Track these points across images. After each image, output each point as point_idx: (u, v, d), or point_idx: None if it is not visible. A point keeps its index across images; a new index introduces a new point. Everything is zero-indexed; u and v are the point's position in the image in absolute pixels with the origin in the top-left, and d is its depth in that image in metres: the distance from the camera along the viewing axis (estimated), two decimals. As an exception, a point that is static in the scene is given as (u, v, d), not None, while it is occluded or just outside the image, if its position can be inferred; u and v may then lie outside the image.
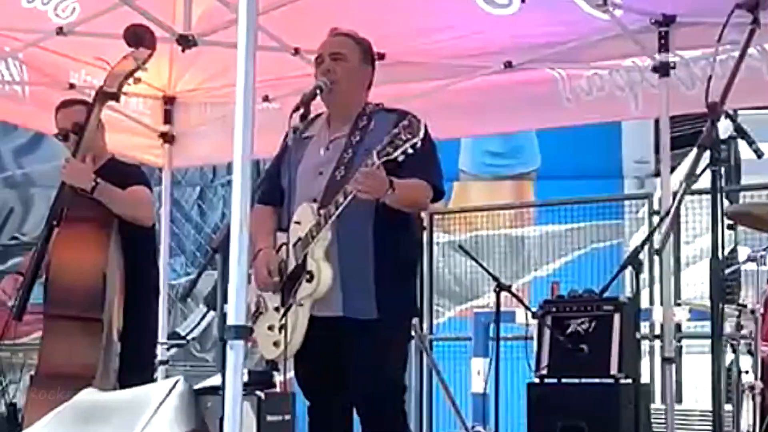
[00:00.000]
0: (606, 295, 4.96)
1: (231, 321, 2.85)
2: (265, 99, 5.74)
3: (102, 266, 4.07)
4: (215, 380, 5.92)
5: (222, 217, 11.23)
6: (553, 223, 8.63)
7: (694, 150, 2.74)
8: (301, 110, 3.60)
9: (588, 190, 8.98)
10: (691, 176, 2.55)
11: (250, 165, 2.97)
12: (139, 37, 4.25)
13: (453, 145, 9.38)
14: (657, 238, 3.58)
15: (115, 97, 4.26)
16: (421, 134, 3.36)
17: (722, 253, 2.73)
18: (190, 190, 11.10)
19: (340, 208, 3.47)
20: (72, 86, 5.73)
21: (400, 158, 3.36)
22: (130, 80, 4.26)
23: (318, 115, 3.77)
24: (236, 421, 2.76)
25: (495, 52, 5.24)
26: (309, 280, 3.52)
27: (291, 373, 4.02)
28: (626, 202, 8.64)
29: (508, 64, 5.25)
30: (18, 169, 12.11)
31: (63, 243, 4.14)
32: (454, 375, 7.19)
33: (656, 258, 5.83)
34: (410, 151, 3.35)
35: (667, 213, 2.77)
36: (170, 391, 2.94)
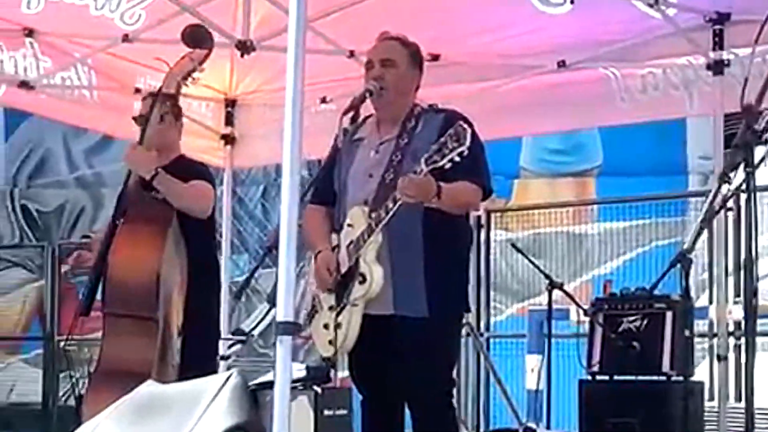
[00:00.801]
0: (665, 293, 4.99)
1: (280, 317, 2.96)
2: (323, 101, 5.85)
3: (156, 266, 4.15)
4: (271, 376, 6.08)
5: (286, 215, 11.36)
6: (615, 220, 8.59)
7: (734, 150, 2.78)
8: (351, 113, 3.72)
9: (651, 187, 8.93)
10: (724, 177, 2.60)
11: (299, 167, 3.07)
12: (196, 38, 4.34)
13: (514, 142, 9.41)
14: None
15: (174, 97, 4.38)
16: (468, 142, 3.43)
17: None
18: (254, 188, 11.27)
19: (390, 214, 3.56)
20: (137, 90, 5.90)
21: (447, 166, 3.45)
22: (189, 80, 4.36)
23: (368, 117, 3.88)
24: (285, 415, 2.88)
25: (548, 51, 5.26)
26: (362, 282, 3.63)
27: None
28: (691, 199, 8.56)
29: (562, 64, 5.27)
30: (89, 169, 12.40)
31: (121, 242, 4.23)
32: (511, 371, 7.24)
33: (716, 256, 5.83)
34: (457, 159, 3.44)
35: (707, 213, 2.81)
36: (224, 383, 3.06)
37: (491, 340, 7.71)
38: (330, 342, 3.68)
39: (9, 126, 12.54)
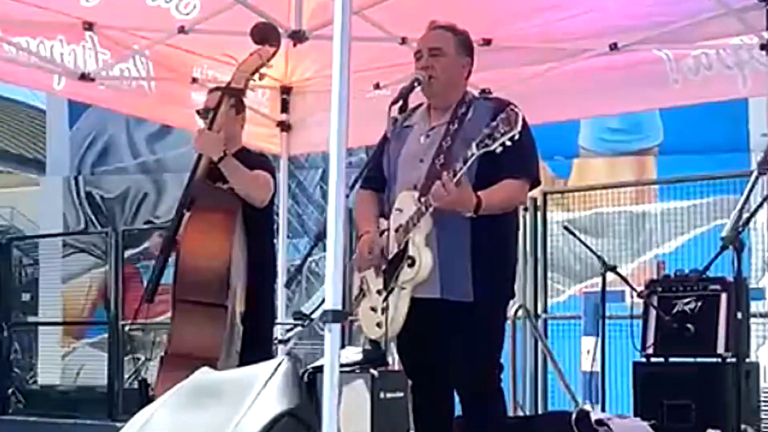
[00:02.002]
0: (721, 275, 4.97)
1: (328, 305, 3.02)
2: (377, 87, 5.88)
3: (227, 254, 4.23)
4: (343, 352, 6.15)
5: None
6: (676, 199, 8.51)
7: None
8: (400, 103, 3.77)
9: (712, 165, 8.82)
10: (764, 164, 2.59)
11: (345, 154, 3.12)
12: (264, 35, 4.42)
13: (573, 122, 9.35)
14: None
15: (241, 92, 4.47)
16: (519, 126, 3.46)
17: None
18: (313, 172, 11.37)
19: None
20: (195, 80, 6.00)
21: (498, 150, 3.48)
22: (256, 76, 4.45)
23: (418, 106, 3.91)
24: (334, 402, 2.95)
25: (600, 34, 5.22)
26: (410, 265, 3.68)
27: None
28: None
29: (614, 46, 5.23)
30: (151, 155, 12.60)
31: (193, 230, 4.32)
32: (567, 353, 7.24)
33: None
34: (508, 143, 3.47)
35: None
36: (275, 370, 3.13)
37: (549, 322, 7.69)
38: (378, 325, 3.75)
39: (73, 114, 12.79)
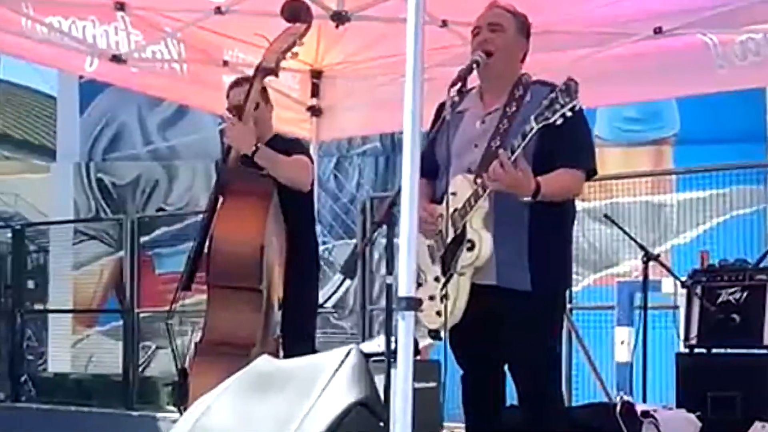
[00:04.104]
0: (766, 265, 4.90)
1: (402, 292, 2.92)
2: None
3: (260, 238, 4.17)
4: (366, 347, 6.08)
5: (357, 187, 11.41)
6: (694, 189, 8.47)
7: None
8: (458, 85, 3.66)
9: (729, 155, 8.77)
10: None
11: (419, 140, 3.02)
12: (295, 13, 4.34)
13: (588, 111, 9.24)
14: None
15: (274, 72, 4.38)
16: (579, 96, 3.37)
17: None
18: (327, 160, 11.28)
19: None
20: (226, 63, 5.91)
21: (558, 121, 3.38)
22: (288, 55, 4.36)
23: (470, 90, 3.82)
24: (408, 393, 2.86)
25: (645, 18, 5.12)
26: (470, 249, 3.58)
27: (427, 341, 4.10)
28: (771, 166, 8.38)
29: (658, 30, 5.12)
30: (163, 141, 12.51)
31: (224, 216, 4.26)
32: (594, 344, 7.17)
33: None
34: (569, 114, 3.37)
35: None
36: (344, 360, 3.05)
37: (573, 312, 7.62)
38: (438, 313, 3.64)
39: (84, 100, 12.68)
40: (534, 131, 3.42)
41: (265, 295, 4.20)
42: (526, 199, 3.52)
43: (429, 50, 5.49)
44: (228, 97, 4.60)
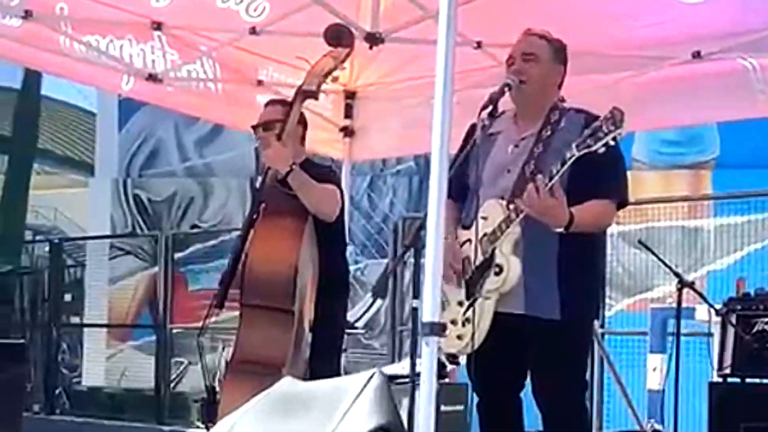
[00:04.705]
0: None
1: (426, 317, 2.91)
2: (446, 92, 5.77)
3: (294, 259, 4.16)
4: (390, 369, 6.04)
5: (391, 207, 11.41)
6: (732, 214, 8.38)
7: None
8: (490, 107, 3.65)
9: (768, 181, 8.69)
10: None
11: (447, 162, 3.01)
12: (338, 36, 4.33)
13: (626, 133, 9.21)
14: None
15: (314, 95, 4.37)
16: (624, 125, 3.34)
17: None
18: (360, 179, 11.30)
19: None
20: (260, 83, 5.93)
21: (601, 150, 3.35)
22: (329, 78, 4.36)
23: (503, 112, 3.80)
24: (431, 415, 2.84)
25: (683, 41, 5.05)
26: (497, 273, 3.56)
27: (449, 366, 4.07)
28: (812, 194, 8.28)
29: (697, 54, 5.06)
30: (199, 158, 12.60)
31: (259, 235, 4.26)
32: (626, 370, 7.09)
33: None
34: (612, 143, 3.34)
35: None
36: (366, 383, 3.04)
37: (605, 337, 7.54)
38: (458, 337, 3.62)
39: (123, 117, 12.82)
40: (573, 159, 3.39)
41: (297, 317, 4.19)
42: (558, 229, 3.50)
43: (463, 71, 5.52)
44: (260, 115, 4.61)
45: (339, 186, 4.51)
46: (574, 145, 3.38)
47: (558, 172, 3.42)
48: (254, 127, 4.58)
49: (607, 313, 8.03)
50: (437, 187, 2.98)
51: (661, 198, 8.79)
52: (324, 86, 5.28)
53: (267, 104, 4.69)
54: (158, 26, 5.42)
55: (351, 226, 11.32)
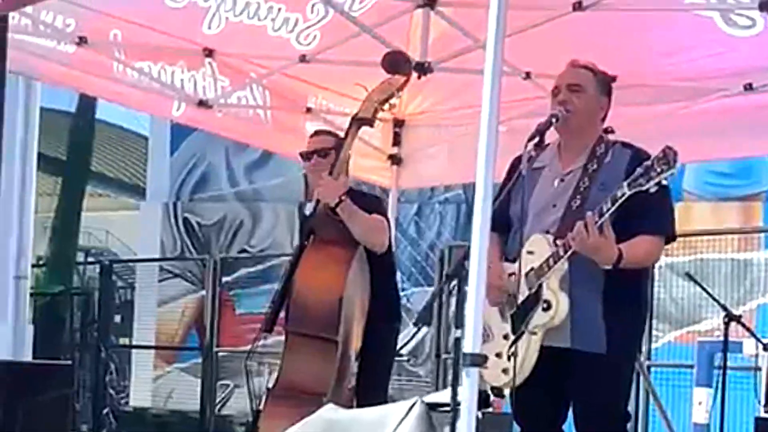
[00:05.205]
0: None
1: (468, 348, 2.91)
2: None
3: (340, 289, 4.16)
4: (433, 397, 6.02)
5: (438, 235, 11.41)
6: (783, 247, 8.31)
7: None
8: (536, 139, 3.65)
9: (824, 212, 8.61)
10: None
11: (492, 193, 3.02)
12: (396, 64, 4.34)
13: (678, 164, 9.15)
14: None
15: (370, 123, 4.36)
16: (678, 165, 3.33)
17: None
18: (408, 207, 11.33)
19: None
20: (309, 110, 5.97)
21: (653, 189, 3.34)
22: (386, 106, 4.35)
23: (547, 145, 3.80)
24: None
25: (734, 73, 5.02)
26: (546, 309, 3.56)
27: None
28: None
29: (749, 87, 5.02)
30: (249, 183, 12.71)
31: (307, 263, 4.28)
32: (672, 403, 7.03)
33: None
34: (664, 182, 3.34)
35: None
36: (408, 411, 3.04)
37: (651, 369, 7.48)
38: (504, 371, 3.61)
39: (174, 141, 12.99)
40: (625, 197, 3.38)
41: (341, 346, 4.20)
42: (606, 266, 3.49)
43: (511, 101, 5.55)
44: (308, 143, 4.62)
45: (387, 216, 4.51)
46: (625, 184, 3.38)
47: (608, 210, 3.41)
48: (303, 155, 4.58)
49: (654, 345, 7.97)
50: (481, 217, 2.98)
51: (711, 230, 8.73)
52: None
53: (314, 134, 4.69)
54: (210, 53, 5.50)
55: (397, 253, 11.38)
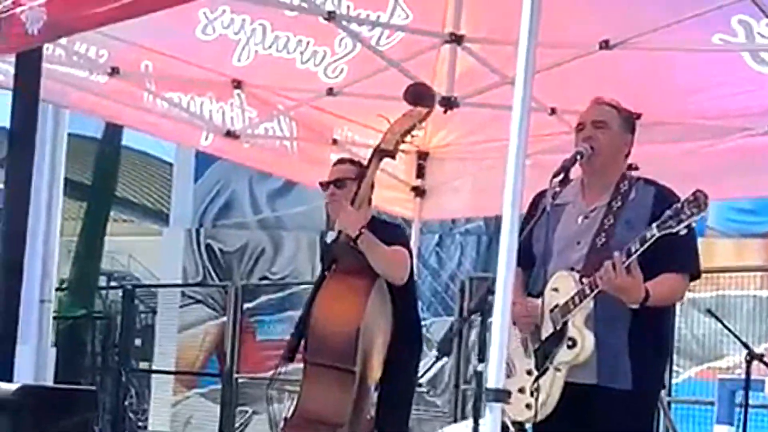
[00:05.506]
0: None
1: (491, 384, 2.92)
2: (519, 156, 5.80)
3: (358, 320, 4.17)
4: (451, 429, 6.03)
5: (458, 265, 11.42)
6: (806, 285, 8.28)
7: None
8: (561, 175, 3.68)
9: None
10: None
11: (518, 227, 3.04)
12: (419, 96, 4.33)
13: (701, 201, 9.13)
14: None
15: (392, 154, 4.36)
16: (708, 209, 3.34)
17: None
18: (429, 237, 11.34)
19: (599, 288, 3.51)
20: (335, 142, 6.03)
21: (683, 232, 3.36)
22: (408, 137, 4.35)
23: (570, 181, 3.83)
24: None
25: (760, 113, 5.03)
26: (571, 347, 3.57)
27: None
28: None
29: (774, 126, 5.05)
30: (271, 212, 12.77)
31: (326, 293, 4.29)
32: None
33: None
34: (694, 224, 3.36)
35: None
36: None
37: (672, 405, 7.45)
38: (527, 406, 3.62)
39: (199, 168, 13.08)
40: (654, 239, 3.39)
41: (359, 376, 4.21)
42: (633, 306, 3.51)
43: (535, 136, 5.56)
44: (330, 173, 4.62)
45: (408, 247, 4.51)
46: (654, 226, 3.38)
47: (637, 251, 3.42)
48: (323, 184, 4.59)
49: (675, 381, 7.94)
50: (507, 252, 3.00)
51: (733, 267, 8.72)
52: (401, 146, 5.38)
53: (336, 162, 4.70)
54: (238, 84, 5.58)
55: (418, 282, 11.39)
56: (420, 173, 6.38)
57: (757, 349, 5.67)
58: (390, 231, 4.48)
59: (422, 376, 6.17)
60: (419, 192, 6.40)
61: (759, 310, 8.29)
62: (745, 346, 5.39)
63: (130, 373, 11.09)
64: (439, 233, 11.53)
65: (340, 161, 4.72)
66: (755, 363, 5.43)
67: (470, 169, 6.10)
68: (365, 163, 4.45)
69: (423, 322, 9.89)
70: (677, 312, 7.50)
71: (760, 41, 4.48)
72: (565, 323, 3.59)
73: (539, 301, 3.67)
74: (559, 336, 3.60)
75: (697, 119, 5.16)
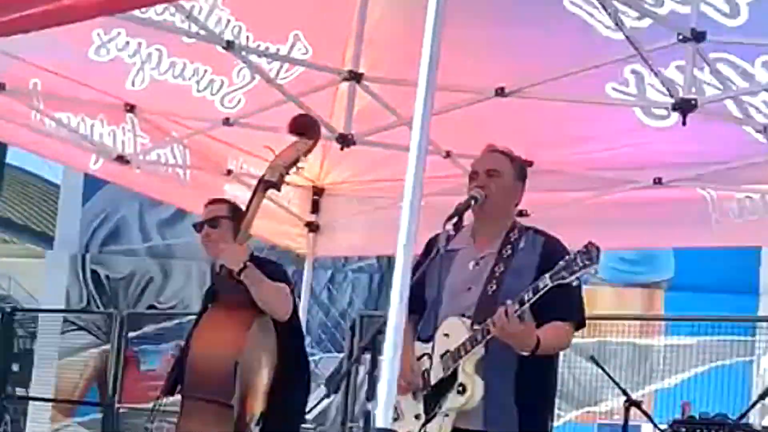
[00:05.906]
0: (746, 421, 4.87)
1: (379, 423, 2.90)
2: (412, 197, 5.82)
3: (236, 353, 4.11)
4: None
5: (350, 302, 11.42)
6: (682, 335, 8.51)
7: None
8: (455, 220, 3.69)
9: (720, 304, 8.83)
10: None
11: (410, 268, 3.03)
12: (303, 128, 4.31)
13: (584, 249, 9.34)
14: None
15: (276, 186, 4.31)
16: (600, 262, 3.39)
17: None
18: (322, 273, 11.32)
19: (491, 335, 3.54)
20: (229, 172, 5.95)
21: (574, 283, 3.41)
22: (292, 169, 4.32)
23: (462, 227, 3.85)
24: None
25: (646, 166, 5.16)
26: (461, 392, 3.59)
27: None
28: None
29: (658, 181, 5.16)
30: (162, 240, 12.57)
31: (205, 326, 4.24)
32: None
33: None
34: (585, 277, 3.41)
35: None
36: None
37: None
38: None
39: (87, 191, 12.81)
40: (547, 289, 3.43)
41: (237, 411, 4.13)
42: (524, 353, 3.54)
43: (430, 178, 5.58)
44: (204, 212, 4.53)
45: (290, 284, 4.42)
46: (548, 276, 3.43)
47: (530, 300, 3.46)
48: (197, 225, 4.52)
49: (555, 423, 8.03)
50: (398, 293, 2.99)
51: (614, 315, 8.92)
52: (294, 179, 5.34)
53: (209, 203, 4.60)
54: (131, 108, 5.47)
55: (309, 318, 11.34)
56: (315, 209, 6.36)
57: (635, 396, 5.79)
58: (271, 268, 4.38)
59: (309, 411, 6.11)
60: (313, 227, 6.37)
61: (637, 356, 8.49)
62: (624, 393, 5.51)
63: (6, 399, 10.71)
64: (332, 270, 11.52)
65: (212, 201, 4.63)
66: (633, 409, 5.54)
67: (364, 207, 6.10)
68: (271, 178, 4.34)
69: (312, 358, 9.86)
70: (560, 357, 7.63)
71: (650, 93, 4.59)
72: (455, 369, 3.60)
73: (427, 347, 3.67)
74: (449, 381, 3.61)
75: (585, 170, 5.27)
